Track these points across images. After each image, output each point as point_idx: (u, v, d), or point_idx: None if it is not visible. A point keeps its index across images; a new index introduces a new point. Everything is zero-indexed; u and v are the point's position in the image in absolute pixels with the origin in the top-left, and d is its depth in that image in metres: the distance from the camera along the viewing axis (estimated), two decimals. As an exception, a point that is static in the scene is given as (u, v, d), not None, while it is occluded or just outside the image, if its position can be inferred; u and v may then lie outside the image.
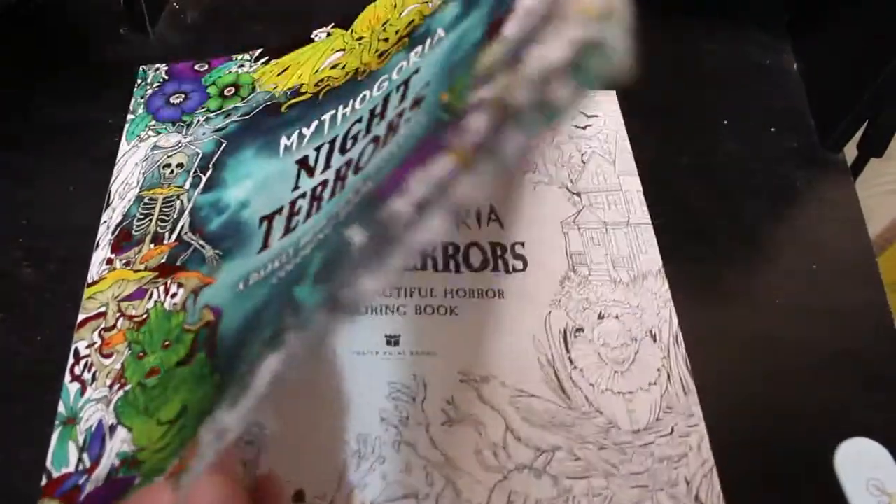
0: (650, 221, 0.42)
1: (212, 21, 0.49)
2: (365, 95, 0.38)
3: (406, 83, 0.35)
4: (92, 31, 0.47)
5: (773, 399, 0.38)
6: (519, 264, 0.40)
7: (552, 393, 0.36)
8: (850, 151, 0.48)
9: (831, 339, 0.40)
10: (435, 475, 0.34)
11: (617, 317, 0.39)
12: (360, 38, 0.43)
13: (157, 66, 0.46)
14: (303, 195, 0.36)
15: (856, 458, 0.36)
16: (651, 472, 0.35)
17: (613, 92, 0.48)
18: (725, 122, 0.49)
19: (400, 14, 0.41)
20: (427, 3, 0.39)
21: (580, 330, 0.38)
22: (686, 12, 0.53)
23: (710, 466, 0.35)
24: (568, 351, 0.38)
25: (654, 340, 0.39)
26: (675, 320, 0.39)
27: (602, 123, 0.46)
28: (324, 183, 0.36)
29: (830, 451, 0.37)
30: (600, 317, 0.39)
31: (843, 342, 0.40)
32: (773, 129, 0.48)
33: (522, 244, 0.41)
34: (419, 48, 0.37)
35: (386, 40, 0.41)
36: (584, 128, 0.46)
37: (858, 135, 0.47)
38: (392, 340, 0.37)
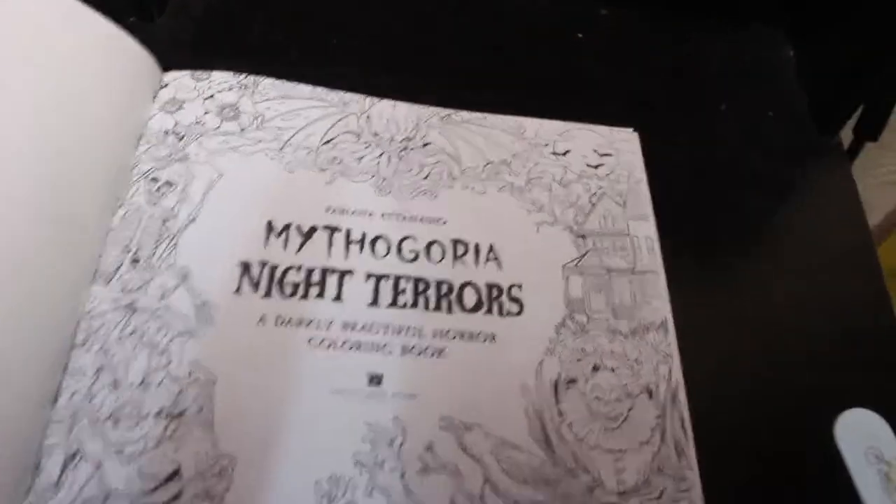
0: (656, 270, 0.41)
1: (218, 12, 0.49)
2: None
3: None
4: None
5: (775, 381, 0.39)
6: (514, 308, 0.39)
7: (537, 446, 0.35)
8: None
9: (832, 324, 0.42)
10: (407, 525, 0.33)
11: (613, 370, 0.37)
12: None
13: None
14: None
15: (855, 428, 0.38)
16: (634, 538, 0.33)
17: (634, 132, 0.46)
18: (723, 107, 0.50)
19: None
20: None
21: (573, 381, 0.37)
22: (686, 8, 0.55)
23: (699, 537, 0.34)
24: (558, 402, 0.36)
25: (651, 397, 0.37)
26: (675, 378, 0.38)
27: (615, 163, 0.44)
28: None
29: (831, 424, 0.38)
30: (595, 368, 0.37)
31: (844, 326, 0.42)
32: (770, 114, 0.50)
33: (520, 286, 0.39)
34: None
35: None
36: (596, 167, 0.44)
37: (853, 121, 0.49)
38: (375, 380, 0.36)
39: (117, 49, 0.40)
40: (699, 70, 0.52)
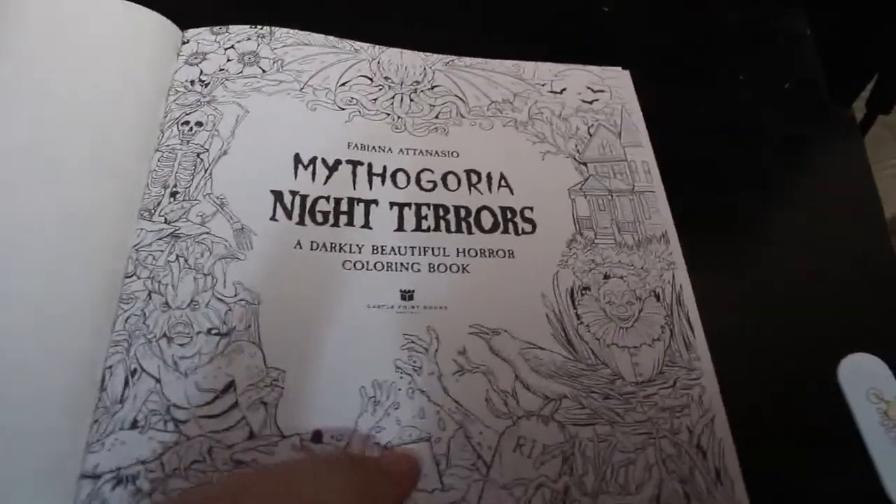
0: (654, 189, 0.44)
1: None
2: None
3: None
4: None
5: (785, 323, 0.42)
6: (528, 227, 0.42)
7: (559, 346, 0.38)
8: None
9: (839, 271, 0.44)
10: (447, 420, 0.35)
11: (622, 277, 0.41)
12: None
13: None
14: None
15: (857, 371, 0.40)
16: (654, 421, 0.37)
17: (624, 70, 0.50)
18: (741, 77, 0.52)
19: None
20: None
21: (587, 288, 0.40)
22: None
23: (711, 417, 0.37)
24: (575, 307, 0.39)
25: (658, 300, 0.40)
26: (679, 282, 0.41)
27: (609, 98, 0.48)
28: None
29: (835, 365, 0.40)
30: (606, 277, 0.41)
31: (850, 273, 0.44)
32: (786, 86, 0.52)
33: (531, 208, 0.42)
34: None
35: None
36: (591, 102, 0.48)
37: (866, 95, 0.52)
38: (407, 295, 0.38)
39: (136, 22, 0.43)
40: (719, 42, 0.55)
